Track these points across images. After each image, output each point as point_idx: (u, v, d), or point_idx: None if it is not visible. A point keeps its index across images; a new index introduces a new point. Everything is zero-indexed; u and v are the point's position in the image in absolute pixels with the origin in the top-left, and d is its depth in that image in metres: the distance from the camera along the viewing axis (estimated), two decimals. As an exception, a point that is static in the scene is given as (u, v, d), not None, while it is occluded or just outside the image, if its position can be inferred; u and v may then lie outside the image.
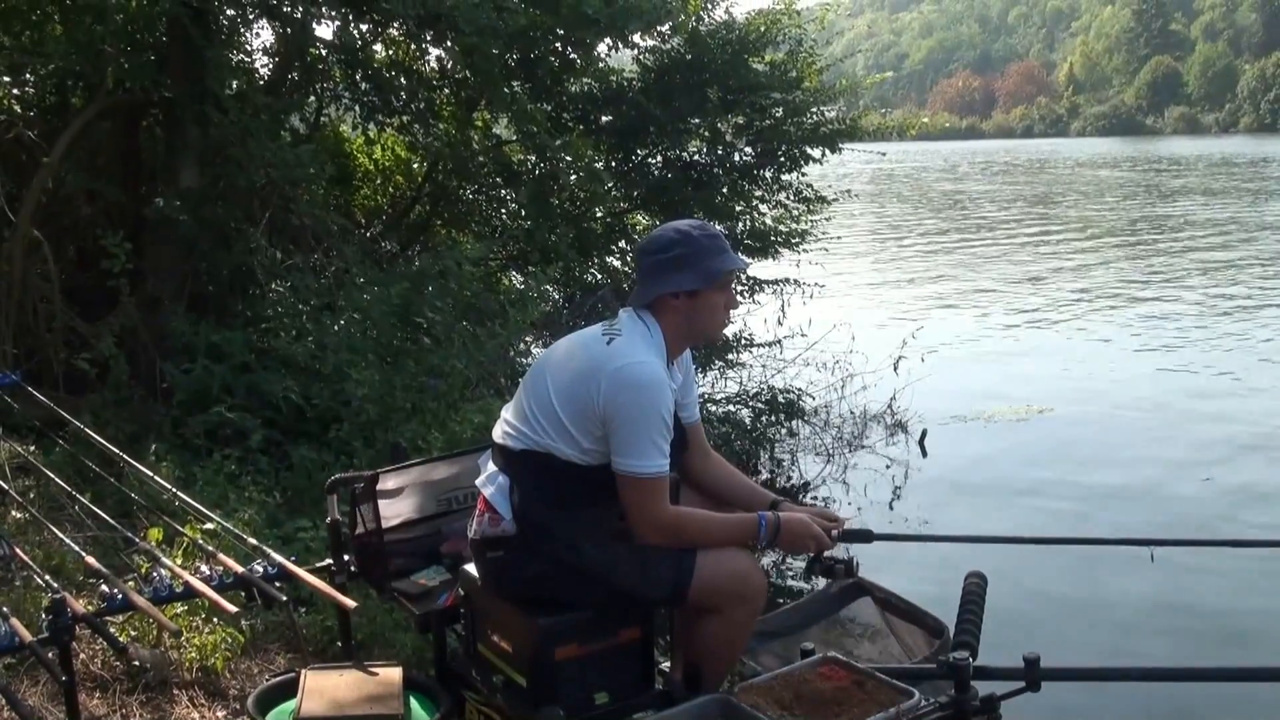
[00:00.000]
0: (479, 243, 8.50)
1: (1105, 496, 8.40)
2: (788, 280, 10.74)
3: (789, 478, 9.39)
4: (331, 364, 6.46)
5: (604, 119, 10.07)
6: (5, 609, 3.18)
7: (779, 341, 10.75)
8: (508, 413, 3.07)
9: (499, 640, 3.08)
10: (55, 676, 3.02)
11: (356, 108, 9.38)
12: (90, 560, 3.58)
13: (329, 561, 3.69)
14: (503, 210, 10.29)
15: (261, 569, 3.48)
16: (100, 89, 7.43)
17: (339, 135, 10.25)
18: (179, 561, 3.81)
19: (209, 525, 4.03)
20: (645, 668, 3.04)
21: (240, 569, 3.44)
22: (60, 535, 4.07)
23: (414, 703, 3.22)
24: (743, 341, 10.42)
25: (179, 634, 3.68)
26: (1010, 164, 62.12)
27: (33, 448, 5.46)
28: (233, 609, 3.25)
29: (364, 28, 8.66)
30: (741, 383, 10.55)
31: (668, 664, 3.18)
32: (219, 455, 5.86)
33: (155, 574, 3.44)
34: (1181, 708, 4.97)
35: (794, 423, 10.25)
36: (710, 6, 9.84)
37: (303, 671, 3.26)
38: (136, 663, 3.83)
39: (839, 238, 16.05)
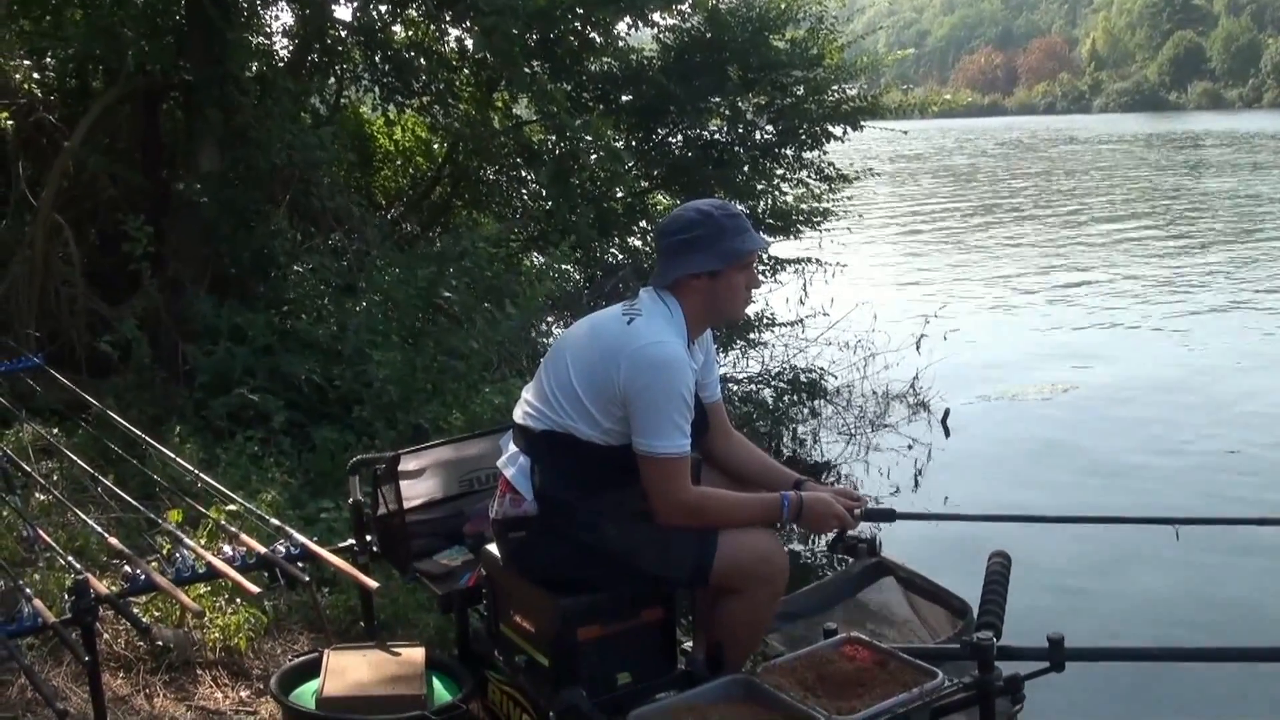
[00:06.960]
0: (500, 223, 8.49)
1: (1130, 475, 8.34)
2: (809, 259, 10.72)
3: (811, 457, 9.35)
4: (353, 345, 6.47)
5: (624, 98, 10.04)
6: (29, 590, 3.19)
7: (801, 321, 10.73)
8: (528, 393, 3.06)
9: (521, 620, 3.08)
10: (78, 657, 3.02)
11: (376, 89, 9.37)
12: (113, 541, 3.58)
13: (351, 542, 3.71)
14: (523, 190, 10.26)
15: (284, 549, 3.47)
16: (120, 72, 7.42)
17: (359, 116, 10.23)
18: (202, 542, 3.81)
19: (231, 506, 4.03)
20: (668, 648, 3.04)
21: (263, 549, 3.44)
22: (83, 517, 4.07)
23: (436, 682, 3.22)
24: (765, 321, 10.40)
25: (202, 614, 3.67)
26: (1033, 141, 61.66)
27: (56, 430, 5.47)
28: (255, 589, 3.25)
29: (383, 8, 8.63)
30: (764, 362, 10.54)
31: (690, 644, 3.18)
32: (241, 437, 5.85)
33: (178, 555, 3.44)
34: (1207, 688, 4.94)
35: (816, 402, 10.23)
36: (730, -16, 9.81)
37: (325, 652, 3.27)
38: (159, 643, 3.83)
39: (861, 216, 15.98)
